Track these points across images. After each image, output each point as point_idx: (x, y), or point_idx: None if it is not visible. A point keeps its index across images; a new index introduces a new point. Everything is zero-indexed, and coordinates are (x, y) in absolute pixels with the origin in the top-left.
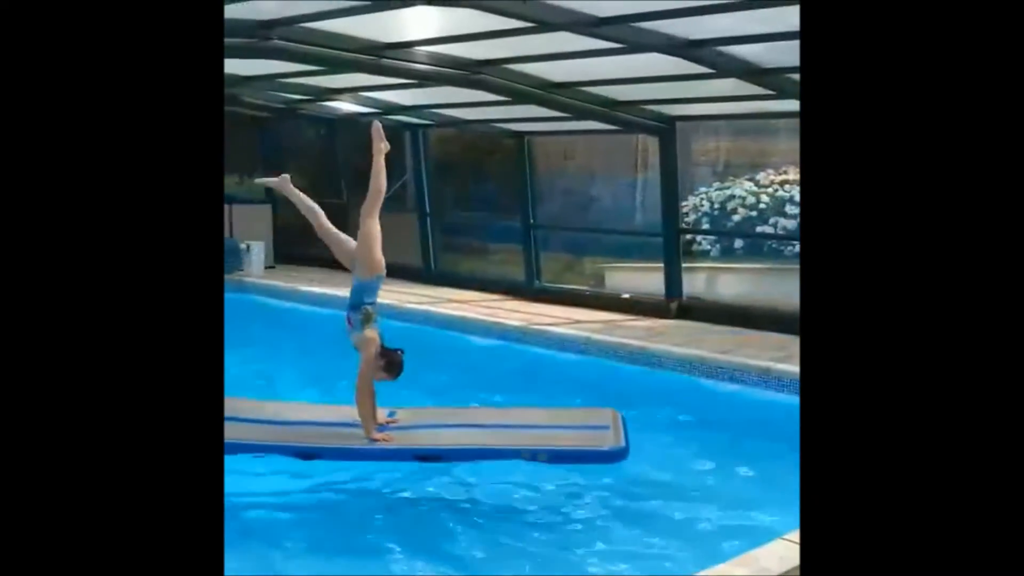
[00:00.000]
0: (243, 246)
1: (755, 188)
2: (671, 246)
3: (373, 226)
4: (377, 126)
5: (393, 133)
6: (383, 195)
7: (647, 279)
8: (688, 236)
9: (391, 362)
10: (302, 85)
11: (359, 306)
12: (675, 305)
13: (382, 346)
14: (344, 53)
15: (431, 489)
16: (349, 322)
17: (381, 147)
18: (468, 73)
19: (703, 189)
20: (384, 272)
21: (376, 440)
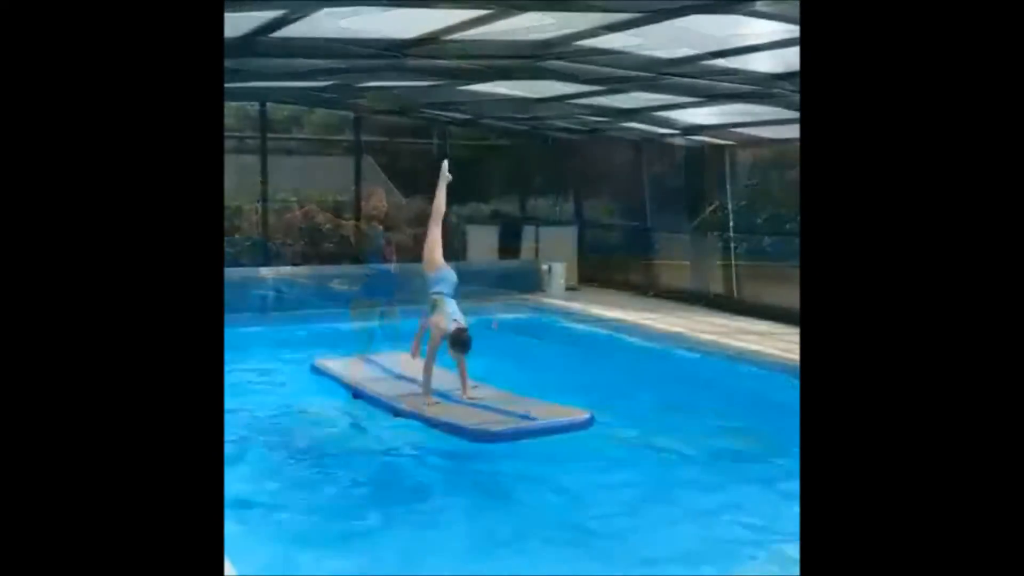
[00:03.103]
0: (544, 267)
1: None
2: None
3: (434, 232)
4: (444, 165)
5: (694, 153)
6: (443, 212)
7: None
8: None
9: (456, 340)
10: (598, 106)
11: (431, 295)
12: None
13: (455, 329)
14: (624, 71)
15: None
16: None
17: (447, 175)
18: (763, 88)
19: None
20: (444, 268)
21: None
